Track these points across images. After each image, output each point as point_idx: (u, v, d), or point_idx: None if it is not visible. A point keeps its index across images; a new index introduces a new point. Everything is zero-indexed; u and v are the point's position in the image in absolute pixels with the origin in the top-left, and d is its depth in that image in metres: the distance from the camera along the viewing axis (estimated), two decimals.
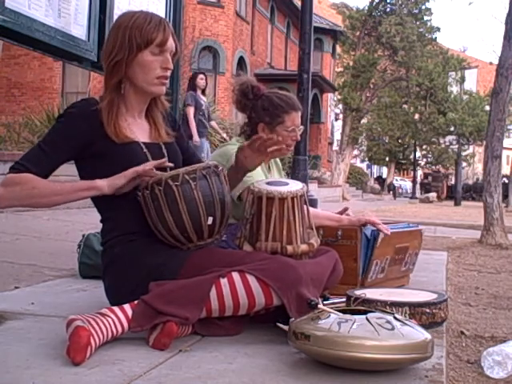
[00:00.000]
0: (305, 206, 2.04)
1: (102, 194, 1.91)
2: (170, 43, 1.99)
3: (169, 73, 2.02)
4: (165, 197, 1.86)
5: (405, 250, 2.90)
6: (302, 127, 2.58)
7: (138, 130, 2.04)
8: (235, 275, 1.79)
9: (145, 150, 2.00)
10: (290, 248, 1.96)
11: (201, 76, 8.39)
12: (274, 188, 1.98)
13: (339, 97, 27.07)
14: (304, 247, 1.99)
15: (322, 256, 2.07)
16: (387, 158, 38.02)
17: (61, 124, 1.95)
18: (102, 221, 2.05)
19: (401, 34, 25.62)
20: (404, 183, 43.58)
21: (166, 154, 2.06)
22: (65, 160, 1.95)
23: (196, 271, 1.83)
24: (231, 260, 1.86)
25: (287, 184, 2.05)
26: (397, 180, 41.82)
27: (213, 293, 1.77)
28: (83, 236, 2.96)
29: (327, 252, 2.13)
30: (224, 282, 1.78)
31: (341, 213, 2.70)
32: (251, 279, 1.78)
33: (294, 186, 2.03)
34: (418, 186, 32.36)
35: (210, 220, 1.90)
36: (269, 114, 2.47)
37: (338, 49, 29.23)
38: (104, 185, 1.90)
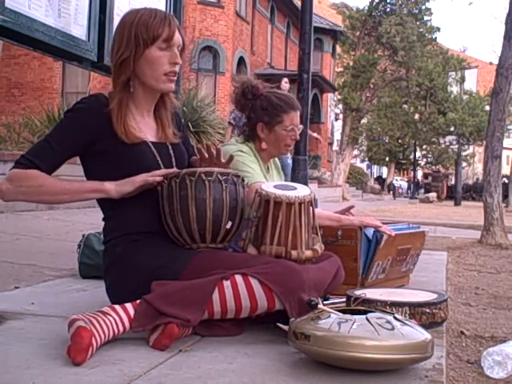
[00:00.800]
0: (311, 209, 2.02)
1: (108, 197, 1.92)
2: (177, 37, 1.98)
3: (177, 68, 2.01)
4: (195, 189, 1.87)
5: (407, 251, 2.90)
6: (301, 126, 2.57)
7: (146, 128, 2.03)
8: (238, 278, 1.78)
9: (153, 149, 2.00)
10: (294, 253, 1.95)
11: (285, 80, 7.85)
12: (282, 192, 1.96)
13: (339, 97, 27.07)
14: (308, 253, 1.98)
15: (324, 261, 2.06)
16: (387, 158, 38.04)
17: (69, 119, 1.94)
18: (104, 219, 2.05)
19: (401, 34, 25.62)
20: (404, 183, 43.59)
21: (172, 155, 2.06)
22: (71, 155, 1.94)
23: (198, 273, 1.82)
24: (234, 263, 1.85)
25: (295, 189, 2.03)
26: (397, 180, 41.84)
27: (215, 295, 1.76)
28: (83, 236, 2.96)
29: (330, 257, 2.12)
30: (227, 284, 1.77)
31: (345, 211, 2.69)
32: (254, 282, 1.78)
33: (302, 191, 2.01)
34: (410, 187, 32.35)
35: (229, 224, 1.93)
36: (268, 113, 2.47)
37: (338, 49, 29.22)
38: (112, 189, 1.90)
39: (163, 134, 2.07)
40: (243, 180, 2.01)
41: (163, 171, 1.94)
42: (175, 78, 2.02)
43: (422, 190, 32.32)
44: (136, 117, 2.01)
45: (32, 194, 1.88)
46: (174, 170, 1.96)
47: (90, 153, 1.96)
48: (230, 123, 7.56)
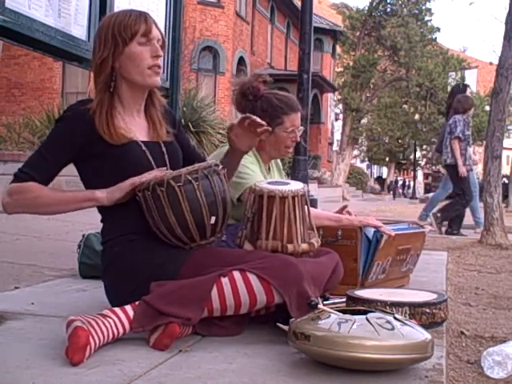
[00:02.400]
0: (306, 207, 2.04)
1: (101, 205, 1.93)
2: (155, 31, 2.00)
3: (160, 61, 2.02)
4: (167, 197, 1.86)
5: (407, 251, 2.90)
6: (301, 128, 2.57)
7: (136, 128, 2.03)
8: (236, 274, 1.79)
9: (144, 148, 2.00)
10: (290, 247, 1.96)
11: (470, 90, 7.08)
12: (275, 187, 1.98)
13: (339, 97, 27.07)
14: (304, 246, 1.99)
15: (322, 257, 2.07)
16: (387, 159, 38.05)
17: (58, 128, 1.97)
18: (102, 220, 2.06)
19: (402, 35, 25.61)
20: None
21: (165, 153, 2.06)
22: (65, 163, 1.97)
23: (196, 271, 1.83)
24: (232, 259, 1.86)
25: (288, 184, 2.05)
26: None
27: (214, 292, 1.77)
28: (83, 236, 2.96)
29: (328, 253, 2.13)
30: (225, 280, 1.78)
31: (339, 211, 2.69)
32: (252, 277, 1.78)
33: (295, 185, 2.03)
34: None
35: (213, 219, 1.91)
36: (268, 115, 2.46)
37: (338, 49, 29.21)
38: (103, 197, 1.92)
39: (155, 133, 2.07)
40: (217, 165, 1.96)
41: (152, 174, 1.91)
42: (160, 71, 2.03)
43: (410, 191, 32.10)
44: (125, 117, 2.02)
45: (29, 206, 1.93)
46: (165, 170, 1.94)
47: (82, 158, 1.97)
48: (457, 137, 6.56)
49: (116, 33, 1.95)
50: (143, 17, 1.99)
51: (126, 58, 1.97)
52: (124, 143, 1.95)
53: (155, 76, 2.01)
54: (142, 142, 2.01)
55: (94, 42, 2.04)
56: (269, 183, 2.03)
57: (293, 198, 1.96)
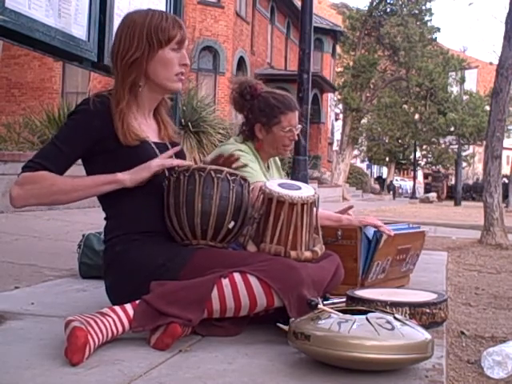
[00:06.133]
0: (313, 210, 2.01)
1: (122, 187, 1.91)
2: (187, 40, 2.03)
3: (186, 69, 2.04)
4: (203, 184, 1.90)
5: (406, 251, 2.90)
6: (299, 126, 2.57)
7: (147, 129, 2.04)
8: (237, 276, 1.79)
9: (155, 150, 2.01)
10: (293, 253, 1.94)
11: None
12: (286, 192, 1.96)
13: (339, 97, 27.06)
14: (308, 254, 1.97)
15: (324, 260, 2.06)
16: (387, 158, 38.05)
17: (74, 121, 1.94)
18: (106, 218, 2.05)
19: (401, 35, 25.60)
20: (404, 183, 43.52)
21: (173, 155, 2.07)
22: (79, 156, 1.95)
23: (198, 272, 1.82)
24: (233, 261, 1.86)
25: (300, 188, 2.02)
26: (397, 180, 41.83)
27: (214, 293, 1.77)
28: (83, 236, 2.96)
29: (329, 256, 2.12)
30: (225, 282, 1.78)
31: (344, 211, 2.69)
32: (253, 280, 1.78)
33: (306, 191, 2.00)
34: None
35: (232, 224, 1.94)
36: (265, 114, 2.47)
37: (338, 49, 29.20)
38: (126, 178, 1.90)
39: (165, 133, 2.09)
40: (249, 185, 2.03)
41: (170, 152, 1.96)
42: (183, 77, 2.05)
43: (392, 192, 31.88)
44: (137, 117, 2.02)
45: (44, 195, 1.87)
46: (180, 147, 2.02)
47: (94, 152, 1.95)
48: None
49: (153, 34, 1.94)
50: (179, 23, 1.99)
51: (157, 61, 1.97)
52: (138, 143, 1.96)
53: (179, 82, 2.03)
54: (154, 143, 2.02)
55: (118, 36, 1.99)
56: (280, 185, 2.01)
57: (302, 205, 1.95)
